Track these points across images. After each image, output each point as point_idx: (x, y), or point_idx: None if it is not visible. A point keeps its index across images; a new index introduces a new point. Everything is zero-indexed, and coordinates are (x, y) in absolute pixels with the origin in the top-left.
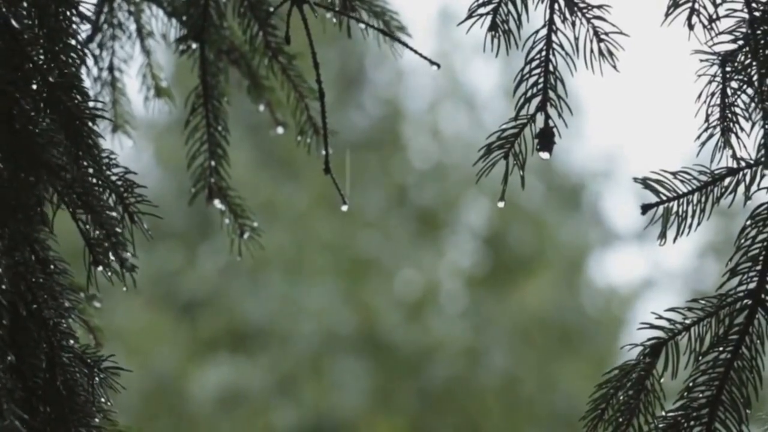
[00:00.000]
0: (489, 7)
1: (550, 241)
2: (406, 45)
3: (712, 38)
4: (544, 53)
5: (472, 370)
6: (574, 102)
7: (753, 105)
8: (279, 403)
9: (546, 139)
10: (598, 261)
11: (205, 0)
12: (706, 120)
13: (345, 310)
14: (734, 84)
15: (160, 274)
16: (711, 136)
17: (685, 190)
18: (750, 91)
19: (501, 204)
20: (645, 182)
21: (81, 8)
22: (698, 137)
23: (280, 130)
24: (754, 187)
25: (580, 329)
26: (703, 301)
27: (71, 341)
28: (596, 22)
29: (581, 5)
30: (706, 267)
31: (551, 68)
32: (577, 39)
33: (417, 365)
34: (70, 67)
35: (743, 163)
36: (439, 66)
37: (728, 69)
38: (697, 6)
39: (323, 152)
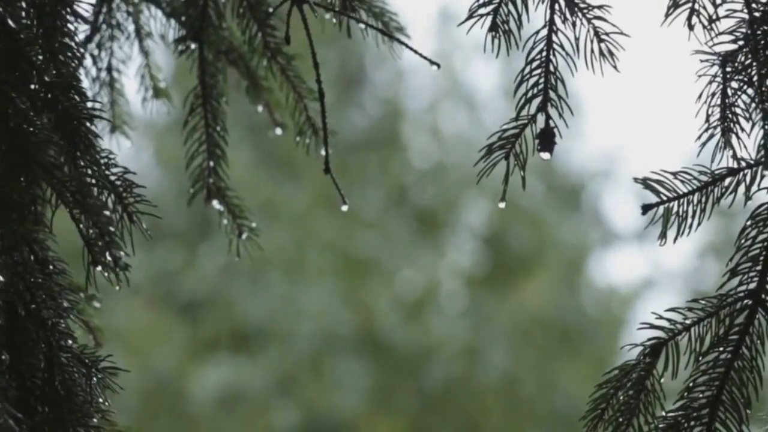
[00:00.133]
0: (489, 8)
1: (550, 241)
2: (406, 45)
3: (712, 38)
4: (544, 53)
5: (472, 370)
6: (575, 102)
7: (753, 105)
8: (279, 403)
9: (547, 140)
10: (598, 261)
11: (204, 0)
12: (707, 120)
13: (345, 310)
14: (734, 84)
15: (160, 274)
16: (711, 136)
17: (685, 191)
18: (750, 91)
19: (502, 204)
20: (645, 182)
21: (79, 8)
22: (698, 137)
23: (278, 131)
24: (754, 188)
25: (580, 329)
26: (703, 302)
27: (69, 341)
28: (597, 23)
29: (582, 5)
30: (706, 267)
31: (552, 68)
32: (577, 39)
33: (417, 365)
34: (68, 67)
35: (743, 164)
36: (439, 66)
37: (728, 69)
38: (697, 6)
39: (322, 152)
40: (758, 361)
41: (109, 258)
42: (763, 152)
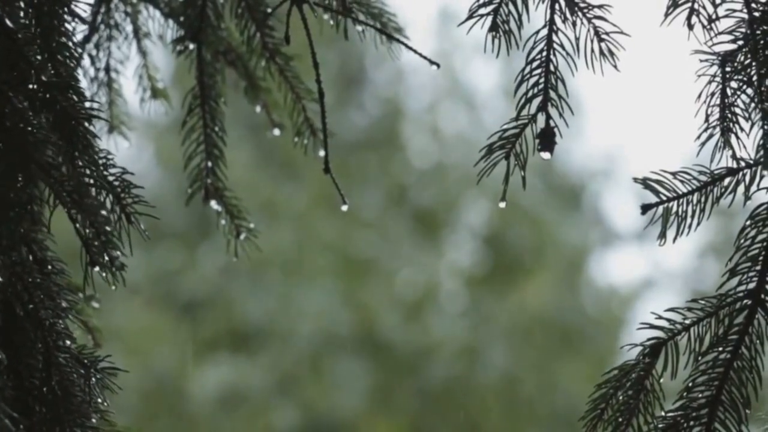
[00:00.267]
0: (489, 8)
1: (550, 241)
2: (405, 45)
3: (711, 38)
4: (544, 53)
5: (472, 369)
6: (575, 102)
7: (753, 105)
8: (279, 403)
9: (547, 139)
10: (598, 261)
11: (203, 1)
12: (706, 120)
13: (345, 310)
14: (734, 84)
15: (160, 274)
16: (711, 136)
17: (684, 190)
18: (750, 91)
19: (502, 204)
20: (645, 182)
21: (77, 9)
22: (698, 137)
23: (276, 131)
24: (753, 188)
25: (580, 329)
26: (702, 302)
27: (68, 341)
28: (597, 22)
29: (582, 5)
30: (706, 267)
31: (552, 68)
32: (577, 39)
33: (417, 365)
34: (66, 67)
35: (743, 164)
36: (438, 66)
37: (728, 69)
38: (696, 6)
39: (321, 153)
40: (757, 361)
41: (106, 258)
42: (762, 152)
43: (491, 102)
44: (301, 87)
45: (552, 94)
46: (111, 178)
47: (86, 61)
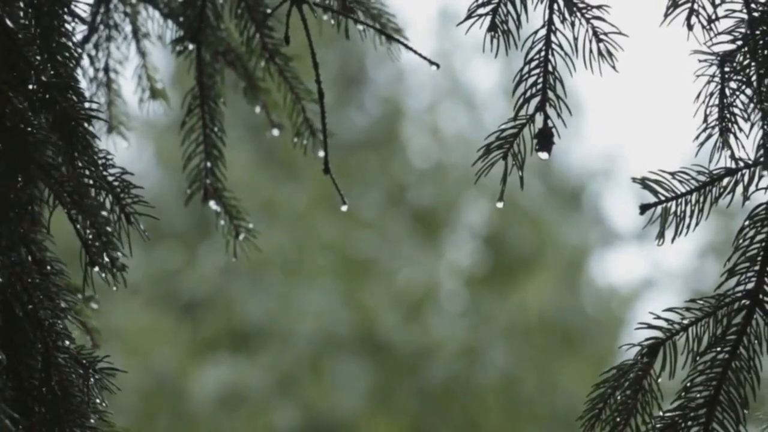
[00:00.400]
0: (488, 8)
1: (550, 240)
2: (405, 45)
3: (711, 38)
4: (543, 53)
5: (472, 369)
6: (574, 102)
7: (752, 105)
8: (279, 403)
9: (545, 140)
10: (599, 261)
11: (202, 1)
12: (705, 120)
13: (345, 310)
14: (733, 84)
15: (160, 274)
16: (709, 136)
17: (683, 191)
18: (749, 91)
19: (500, 204)
20: (643, 182)
21: (77, 9)
22: (696, 137)
23: (275, 132)
24: (752, 188)
25: (581, 329)
26: (701, 302)
27: (67, 342)
28: (595, 23)
29: (580, 5)
30: (706, 267)
31: (550, 68)
32: (576, 39)
33: (416, 365)
34: (66, 68)
35: (741, 164)
36: (438, 66)
37: (727, 69)
38: (696, 6)
39: (321, 154)
40: (756, 361)
41: (106, 259)
42: (762, 152)
43: (491, 102)
44: (300, 87)
45: (550, 94)
46: (110, 179)
47: (85, 62)
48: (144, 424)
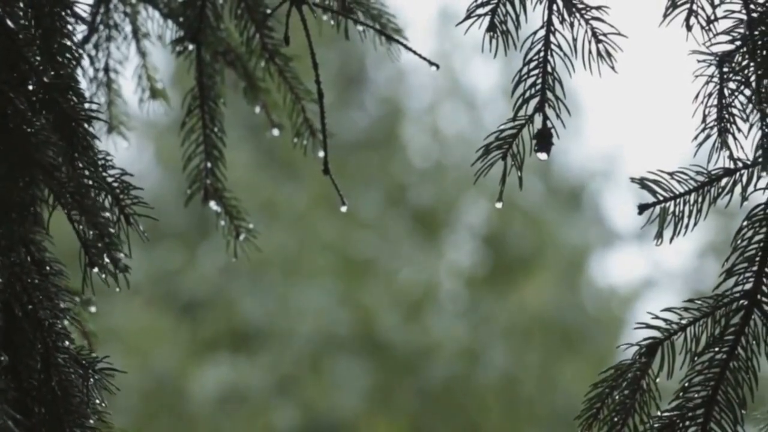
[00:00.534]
0: (487, 8)
1: (549, 240)
2: (405, 46)
3: (710, 39)
4: (542, 54)
5: (472, 370)
6: (573, 102)
7: (750, 106)
8: (278, 403)
9: (544, 140)
10: (599, 261)
11: (202, 1)
12: (703, 120)
13: (344, 310)
14: (732, 85)
15: (160, 274)
16: (708, 136)
17: (681, 191)
18: (747, 92)
19: (498, 205)
20: (642, 182)
21: (77, 9)
22: (695, 138)
23: (275, 132)
24: (750, 188)
25: (581, 329)
26: (699, 302)
27: (66, 342)
28: (594, 23)
29: (579, 6)
30: (706, 267)
31: (549, 69)
32: (575, 40)
33: (416, 365)
34: (66, 68)
35: (740, 164)
36: (438, 67)
37: (725, 70)
38: (695, 7)
39: (321, 154)
40: (753, 361)
41: (107, 260)
42: (761, 152)
43: (491, 102)
44: (300, 88)
45: (549, 94)
46: (110, 180)
47: (85, 62)
48: (144, 424)
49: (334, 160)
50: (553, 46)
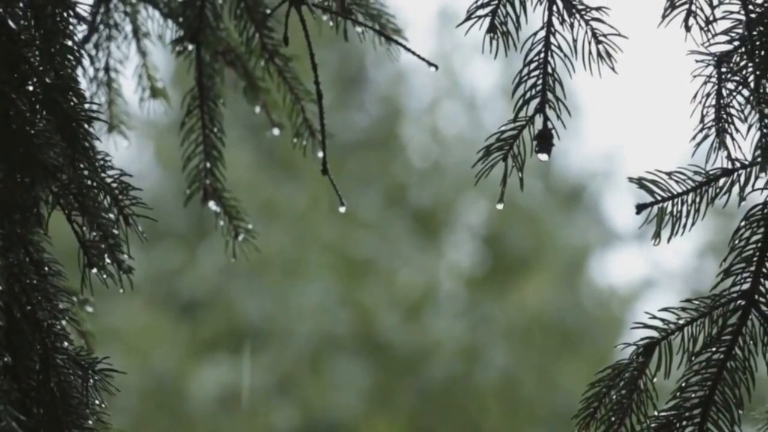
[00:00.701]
0: (487, 9)
1: (549, 241)
2: (404, 47)
3: (708, 40)
4: (542, 55)
5: (471, 370)
6: (573, 103)
7: (749, 107)
8: (278, 403)
9: (545, 141)
10: (598, 261)
11: (202, 1)
12: (701, 121)
13: (344, 310)
14: (730, 85)
15: (160, 274)
16: (706, 137)
17: (679, 191)
18: (745, 92)
19: (500, 206)
20: (640, 182)
21: (77, 9)
22: (693, 138)
23: (275, 131)
24: (748, 188)
25: (580, 329)
26: (696, 302)
27: (65, 343)
28: (594, 24)
29: (579, 7)
30: (705, 267)
31: (550, 70)
32: (575, 41)
33: (416, 365)
34: (67, 69)
35: (738, 164)
36: (437, 67)
37: (724, 70)
38: (694, 8)
39: (320, 154)
40: (751, 361)
41: (108, 260)
42: (760, 152)
43: (491, 102)
44: (300, 88)
45: (550, 95)
46: (109, 180)
47: (85, 61)
48: (143, 425)
49: (333, 160)
50: (553, 47)
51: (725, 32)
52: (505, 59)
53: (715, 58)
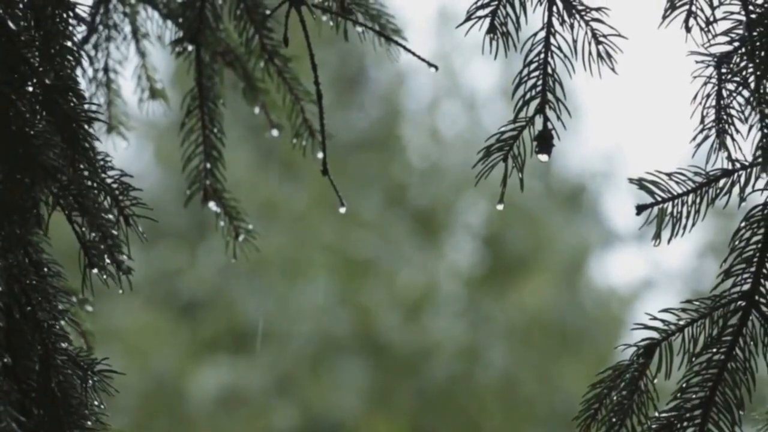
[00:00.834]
0: (487, 10)
1: (549, 241)
2: (403, 47)
3: (709, 40)
4: (542, 55)
5: (471, 370)
6: (573, 103)
7: (749, 107)
8: (278, 403)
9: (545, 142)
10: (598, 261)
11: (201, 2)
12: (702, 121)
13: (344, 311)
14: (730, 86)
15: (160, 274)
16: (706, 137)
17: (679, 191)
18: (745, 93)
19: (500, 207)
20: (640, 183)
21: (77, 10)
22: (693, 139)
23: (275, 132)
24: (748, 189)
25: (580, 329)
26: (697, 303)
27: (65, 343)
28: (594, 25)
29: (579, 8)
30: (705, 267)
31: (550, 70)
32: (575, 41)
33: (416, 365)
34: (66, 70)
35: (738, 165)
36: (437, 68)
37: (724, 71)
38: (694, 8)
39: (320, 155)
40: (751, 362)
41: (108, 261)
42: (760, 153)
43: (491, 103)
44: (299, 88)
45: (550, 96)
46: (109, 181)
47: (85, 62)
48: (143, 425)
49: (333, 160)
50: (553, 48)
51: (725, 33)
52: (505, 60)
53: (716, 59)
